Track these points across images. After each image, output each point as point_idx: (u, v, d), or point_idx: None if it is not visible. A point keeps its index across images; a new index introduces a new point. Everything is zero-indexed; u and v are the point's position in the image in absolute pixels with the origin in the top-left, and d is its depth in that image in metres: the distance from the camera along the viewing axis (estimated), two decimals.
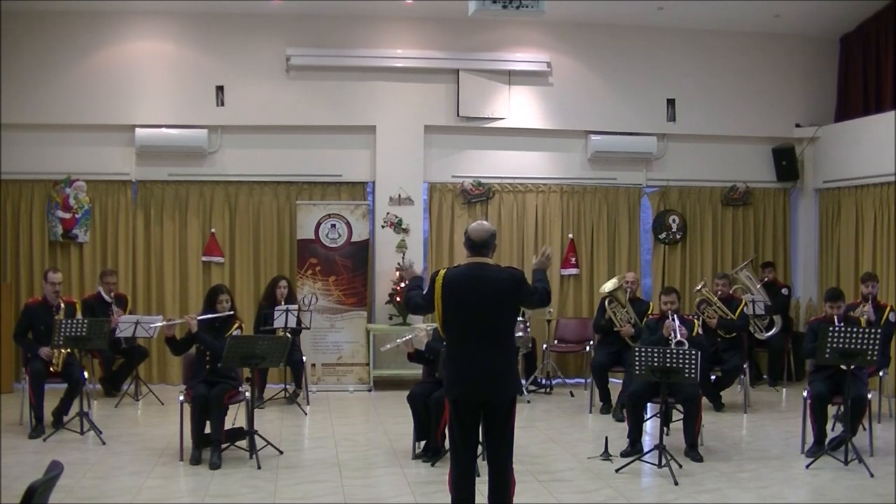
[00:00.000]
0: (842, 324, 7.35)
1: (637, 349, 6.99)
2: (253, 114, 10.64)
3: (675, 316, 7.77)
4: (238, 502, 6.13)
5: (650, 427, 7.99)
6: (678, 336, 7.50)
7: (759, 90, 11.45)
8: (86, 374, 8.20)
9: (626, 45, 11.23)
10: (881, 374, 8.51)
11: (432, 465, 6.98)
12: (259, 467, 6.88)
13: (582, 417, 9.01)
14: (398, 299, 10.37)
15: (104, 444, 7.55)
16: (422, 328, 8.18)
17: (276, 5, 10.39)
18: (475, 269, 5.10)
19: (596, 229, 11.29)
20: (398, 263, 10.52)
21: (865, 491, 6.39)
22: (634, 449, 7.23)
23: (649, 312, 9.13)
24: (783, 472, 6.91)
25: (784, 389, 10.49)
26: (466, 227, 5.26)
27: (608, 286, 9.45)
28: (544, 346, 10.45)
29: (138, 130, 10.43)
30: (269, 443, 7.29)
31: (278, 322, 9.23)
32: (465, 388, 5.06)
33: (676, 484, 6.49)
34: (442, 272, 5.15)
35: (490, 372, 5.02)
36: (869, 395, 7.36)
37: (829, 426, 7.51)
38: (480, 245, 5.12)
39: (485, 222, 5.29)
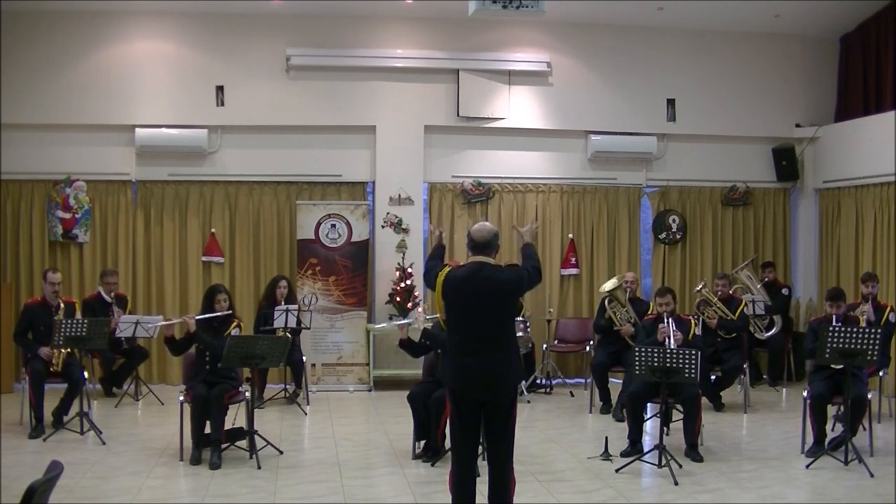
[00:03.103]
0: (839, 323, 7.36)
1: (637, 349, 6.99)
2: (253, 114, 10.64)
3: (671, 319, 7.75)
4: (238, 502, 6.13)
5: (650, 427, 7.99)
6: (673, 342, 7.46)
7: (759, 90, 11.45)
8: (86, 374, 8.20)
9: (626, 45, 11.23)
10: (881, 374, 8.51)
11: (432, 465, 6.98)
12: (259, 467, 6.88)
13: (582, 417, 9.02)
14: (398, 299, 10.38)
15: (104, 444, 7.55)
16: (420, 316, 8.15)
17: (276, 5, 10.39)
18: (476, 270, 5.11)
19: (596, 229, 11.29)
20: (398, 263, 10.55)
21: (865, 491, 6.40)
22: (634, 449, 7.22)
23: (648, 312, 9.12)
24: (783, 472, 6.91)
25: (784, 389, 10.49)
26: (469, 228, 5.29)
27: (607, 286, 9.47)
28: (544, 346, 10.45)
29: (138, 130, 10.43)
30: (269, 443, 7.29)
31: (278, 322, 9.24)
32: (467, 385, 5.07)
33: (676, 484, 6.50)
34: (444, 272, 5.17)
35: (491, 371, 5.04)
36: (869, 395, 7.36)
37: (829, 426, 7.51)
38: (482, 245, 5.14)
39: (487, 223, 5.32)
